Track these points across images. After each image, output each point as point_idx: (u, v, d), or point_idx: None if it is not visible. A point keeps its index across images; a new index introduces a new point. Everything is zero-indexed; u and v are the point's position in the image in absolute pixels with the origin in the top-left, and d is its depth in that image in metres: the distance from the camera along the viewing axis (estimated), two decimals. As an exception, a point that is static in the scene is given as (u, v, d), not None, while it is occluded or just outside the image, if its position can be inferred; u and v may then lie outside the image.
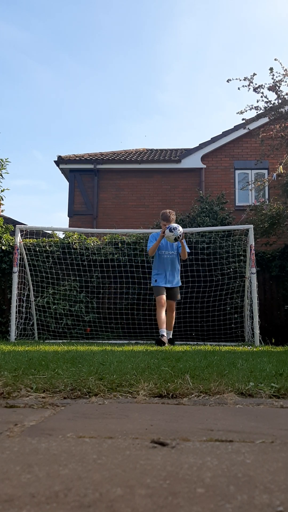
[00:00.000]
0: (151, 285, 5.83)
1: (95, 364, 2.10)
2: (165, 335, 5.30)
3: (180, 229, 5.42)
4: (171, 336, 5.73)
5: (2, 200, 7.78)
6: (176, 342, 6.85)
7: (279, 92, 8.44)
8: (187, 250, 5.83)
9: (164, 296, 5.55)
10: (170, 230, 5.39)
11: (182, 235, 5.44)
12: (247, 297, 7.26)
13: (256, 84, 8.48)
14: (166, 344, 5.14)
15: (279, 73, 8.35)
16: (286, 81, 8.40)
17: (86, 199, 12.63)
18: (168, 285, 5.64)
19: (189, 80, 48.29)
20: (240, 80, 8.47)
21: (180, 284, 5.82)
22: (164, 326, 5.41)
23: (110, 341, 6.85)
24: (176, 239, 5.41)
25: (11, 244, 7.84)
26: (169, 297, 5.65)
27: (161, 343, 5.12)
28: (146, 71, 49.25)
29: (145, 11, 36.44)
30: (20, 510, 0.53)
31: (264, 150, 8.98)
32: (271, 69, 8.23)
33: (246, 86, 8.54)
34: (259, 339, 6.24)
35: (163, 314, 5.48)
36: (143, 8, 36.35)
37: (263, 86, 8.48)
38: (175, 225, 5.46)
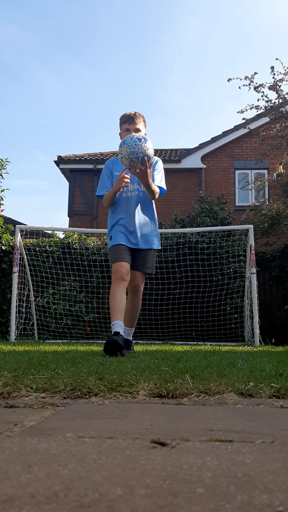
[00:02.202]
0: (107, 246, 3.53)
1: (95, 364, 2.10)
2: (121, 332, 3.07)
3: (148, 145, 3.13)
4: (130, 337, 3.48)
5: (2, 200, 7.78)
6: (175, 342, 6.83)
7: (279, 92, 8.45)
8: (161, 185, 3.45)
9: (125, 264, 3.27)
10: (125, 144, 3.09)
11: (147, 156, 3.11)
12: (247, 297, 7.27)
13: (256, 83, 8.50)
14: (119, 351, 2.89)
15: (280, 72, 8.37)
16: (286, 81, 8.41)
17: (86, 199, 12.63)
18: (132, 245, 3.36)
19: (190, 80, 48.28)
20: (241, 79, 8.49)
21: (156, 246, 3.48)
22: (120, 316, 3.16)
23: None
24: (137, 161, 3.08)
25: (11, 244, 7.85)
26: (134, 265, 3.37)
27: (112, 349, 2.87)
28: (147, 71, 49.26)
29: (146, 12, 36.44)
30: (20, 510, 0.53)
31: (264, 150, 8.99)
32: (272, 67, 8.26)
33: (246, 85, 8.56)
34: (259, 339, 6.25)
35: (120, 296, 3.19)
36: (144, 8, 36.35)
37: (263, 85, 8.50)
38: (136, 136, 3.16)
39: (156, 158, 3.54)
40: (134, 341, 3.74)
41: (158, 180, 3.47)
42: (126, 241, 3.37)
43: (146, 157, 3.12)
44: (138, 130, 3.46)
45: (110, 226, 3.48)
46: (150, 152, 3.15)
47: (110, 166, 3.58)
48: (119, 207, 3.44)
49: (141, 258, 3.41)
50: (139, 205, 3.43)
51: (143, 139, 3.13)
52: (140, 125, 3.50)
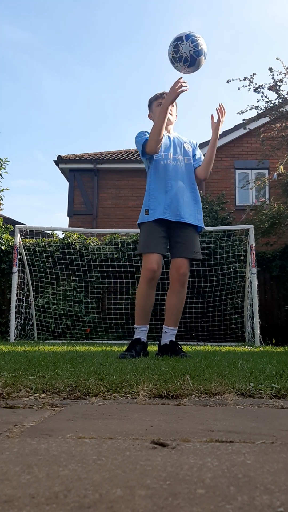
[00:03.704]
0: (138, 221, 3.11)
1: (95, 365, 2.09)
2: (143, 338, 2.97)
3: (202, 44, 2.74)
4: (173, 338, 3.00)
5: (2, 199, 7.78)
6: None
7: (279, 92, 8.45)
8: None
9: (157, 257, 2.90)
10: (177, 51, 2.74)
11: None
12: (247, 297, 7.27)
13: (256, 84, 8.51)
14: (135, 355, 2.82)
15: (280, 72, 8.36)
16: (286, 81, 8.41)
17: (86, 199, 12.63)
18: (173, 217, 2.96)
19: (190, 79, 48.29)
20: (240, 80, 8.48)
21: (201, 223, 3.07)
22: (147, 320, 2.99)
23: (110, 342, 6.85)
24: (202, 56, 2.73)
25: (10, 244, 7.84)
26: (178, 251, 2.98)
27: (131, 355, 2.78)
28: (147, 70, 49.30)
29: (147, 11, 36.47)
30: (19, 511, 0.53)
31: (265, 150, 8.99)
32: (270, 69, 8.26)
33: (246, 86, 8.56)
34: (260, 340, 6.24)
35: (150, 297, 2.95)
36: (145, 8, 36.38)
37: (263, 86, 8.50)
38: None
39: (195, 142, 3.35)
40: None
41: (199, 154, 3.25)
42: (167, 214, 2.95)
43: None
44: (174, 105, 3.22)
45: (148, 197, 3.06)
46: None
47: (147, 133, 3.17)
48: (159, 176, 3.06)
49: (186, 240, 2.99)
50: (182, 176, 3.07)
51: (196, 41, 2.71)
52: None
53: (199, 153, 3.27)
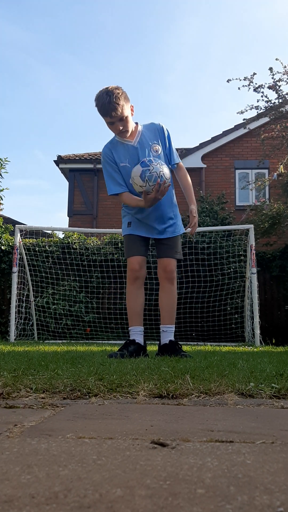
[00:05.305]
0: (122, 233, 3.19)
1: (95, 365, 2.09)
2: (137, 339, 2.96)
3: (158, 167, 2.74)
4: (172, 338, 3.04)
5: (2, 199, 7.78)
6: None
7: (279, 92, 8.45)
8: (178, 160, 3.10)
9: (138, 259, 2.99)
10: (144, 177, 2.71)
11: (164, 181, 2.74)
12: (247, 297, 7.27)
13: (256, 84, 8.50)
14: (132, 355, 2.82)
15: (280, 72, 8.37)
16: (286, 80, 8.41)
17: (86, 199, 12.62)
18: (155, 235, 3.06)
19: (191, 79, 48.21)
20: (240, 80, 8.49)
21: (180, 230, 3.14)
22: (139, 321, 3.03)
23: (110, 342, 6.85)
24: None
25: (10, 244, 7.85)
26: (163, 252, 3.07)
27: (122, 354, 2.77)
28: (148, 70, 49.33)
29: (148, 11, 36.46)
30: (20, 510, 0.53)
31: (265, 150, 8.98)
32: (270, 68, 8.26)
33: (246, 86, 8.56)
34: (260, 340, 6.24)
35: (136, 297, 3.01)
36: (145, 8, 36.38)
37: (263, 86, 8.50)
38: (149, 164, 2.74)
39: (161, 124, 3.05)
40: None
41: (176, 155, 3.11)
42: (147, 232, 3.05)
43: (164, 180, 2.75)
44: (122, 119, 2.85)
45: (130, 211, 3.07)
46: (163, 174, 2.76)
47: (111, 157, 2.99)
48: (133, 194, 3.00)
49: (168, 243, 3.07)
50: None
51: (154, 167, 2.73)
52: (125, 110, 2.83)
53: (169, 149, 3.05)
